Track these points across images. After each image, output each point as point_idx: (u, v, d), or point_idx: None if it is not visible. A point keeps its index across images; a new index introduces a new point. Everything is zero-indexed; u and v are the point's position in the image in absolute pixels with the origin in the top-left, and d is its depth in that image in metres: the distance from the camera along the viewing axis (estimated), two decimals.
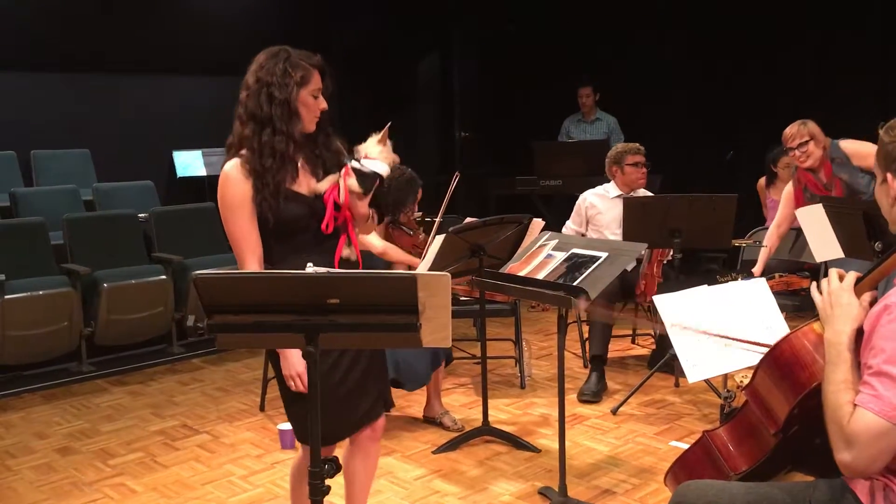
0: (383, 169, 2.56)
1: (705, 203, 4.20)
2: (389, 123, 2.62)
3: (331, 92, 2.53)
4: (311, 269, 1.86)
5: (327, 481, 2.04)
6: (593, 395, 4.47)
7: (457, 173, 4.10)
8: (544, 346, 5.60)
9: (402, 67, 8.56)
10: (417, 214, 4.81)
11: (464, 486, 3.48)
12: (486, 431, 3.94)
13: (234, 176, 2.40)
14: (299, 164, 2.49)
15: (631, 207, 4.25)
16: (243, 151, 2.43)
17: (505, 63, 8.34)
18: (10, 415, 4.52)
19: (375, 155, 2.57)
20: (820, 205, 3.78)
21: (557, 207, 6.82)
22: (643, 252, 4.22)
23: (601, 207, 4.84)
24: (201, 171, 7.26)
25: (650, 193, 5.01)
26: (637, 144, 4.77)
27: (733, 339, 2.49)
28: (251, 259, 2.42)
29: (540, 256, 3.14)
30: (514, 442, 3.87)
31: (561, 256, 3.11)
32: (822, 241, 3.80)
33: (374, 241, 4.03)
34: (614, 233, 4.68)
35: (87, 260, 5.38)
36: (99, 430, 4.25)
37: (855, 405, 1.71)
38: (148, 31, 7.18)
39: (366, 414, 2.61)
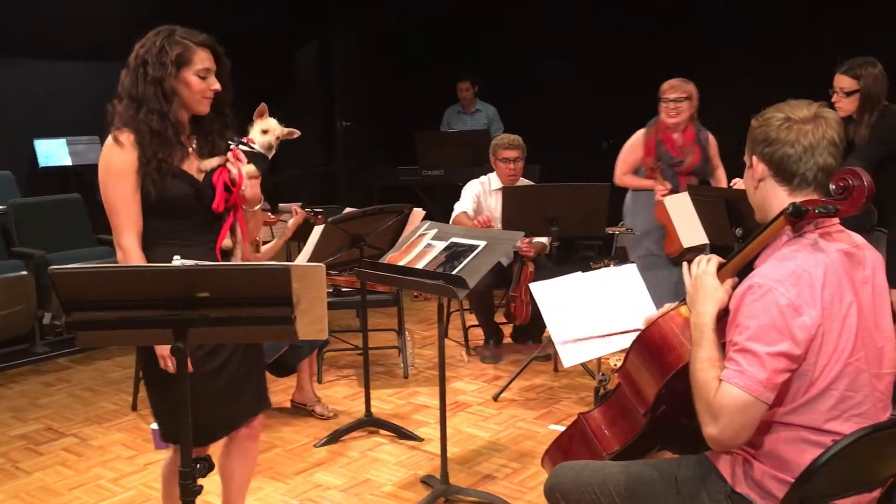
0: (270, 154, 2.52)
1: (580, 192, 4.30)
2: (263, 104, 2.55)
3: (228, 73, 2.43)
4: (177, 261, 1.78)
5: (200, 481, 1.98)
6: (493, 357, 4.88)
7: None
8: (427, 335, 5.62)
9: (280, 59, 8.38)
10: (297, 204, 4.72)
11: (346, 479, 3.45)
12: (369, 423, 3.92)
13: (119, 146, 2.29)
14: (190, 147, 2.39)
15: (509, 196, 4.31)
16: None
17: (387, 54, 8.30)
18: None
19: (261, 140, 2.53)
20: (686, 193, 3.94)
21: (440, 197, 6.85)
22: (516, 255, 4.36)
23: (484, 198, 4.89)
24: (66, 161, 6.85)
25: (532, 183, 5.09)
26: (512, 138, 4.79)
27: (612, 334, 2.56)
28: (129, 233, 2.31)
29: (420, 246, 3.13)
30: (397, 432, 3.87)
31: (440, 245, 3.12)
32: (689, 227, 3.97)
33: None
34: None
35: None
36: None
37: (721, 380, 1.78)
38: (9, 11, 6.73)
39: (243, 412, 2.54)
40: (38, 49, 6.84)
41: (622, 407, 2.20)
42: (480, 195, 4.88)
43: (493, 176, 4.90)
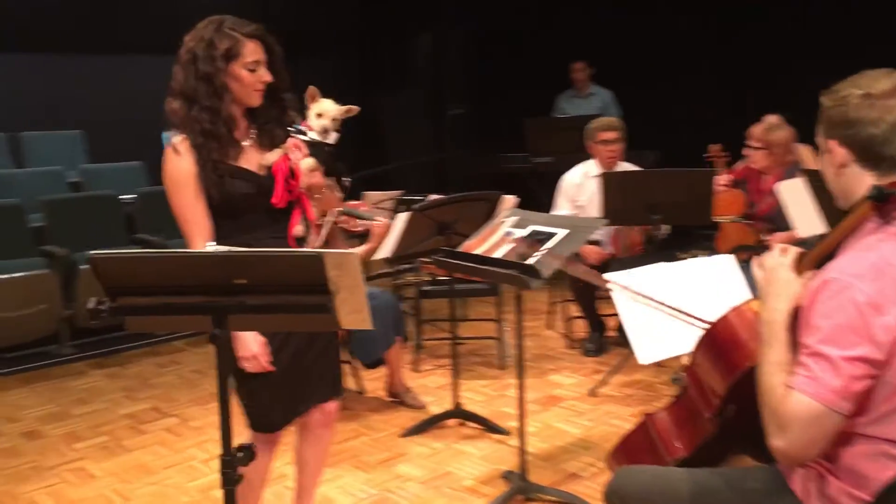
0: (332, 137, 2.46)
1: (683, 177, 4.06)
2: (312, 87, 2.48)
3: (281, 61, 2.38)
4: (211, 247, 1.76)
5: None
6: (595, 350, 4.75)
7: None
8: (532, 325, 5.50)
9: (390, 46, 8.43)
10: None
11: (427, 470, 3.40)
12: (457, 414, 3.85)
13: (179, 152, 2.28)
14: (248, 142, 2.38)
15: (608, 183, 4.11)
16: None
17: (498, 39, 8.17)
18: None
19: (316, 125, 2.47)
20: (800, 179, 3.64)
21: (550, 185, 6.67)
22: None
23: (583, 187, 4.70)
24: None
25: (638, 168, 4.86)
26: (611, 120, 4.62)
27: (673, 308, 2.37)
28: (199, 239, 2.30)
29: (498, 233, 3.02)
30: (485, 425, 3.78)
31: (521, 234, 3.00)
32: (805, 215, 3.66)
33: None
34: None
35: (67, 242, 5.33)
36: (70, 414, 4.21)
37: (789, 387, 1.59)
38: (148, 11, 7.10)
39: (307, 400, 2.52)
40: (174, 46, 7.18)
41: (689, 410, 2.03)
42: (576, 193, 4.67)
43: (591, 163, 4.71)
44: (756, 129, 4.36)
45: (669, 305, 2.38)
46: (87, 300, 1.82)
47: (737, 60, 6.64)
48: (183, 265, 1.79)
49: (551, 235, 2.89)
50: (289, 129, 2.43)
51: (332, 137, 2.41)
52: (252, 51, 2.29)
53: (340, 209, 3.85)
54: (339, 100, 2.49)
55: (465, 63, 8.46)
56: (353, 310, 1.90)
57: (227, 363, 1.93)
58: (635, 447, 2.15)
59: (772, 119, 4.33)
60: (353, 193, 4.28)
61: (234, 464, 1.95)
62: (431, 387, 4.41)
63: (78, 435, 3.91)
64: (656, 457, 2.06)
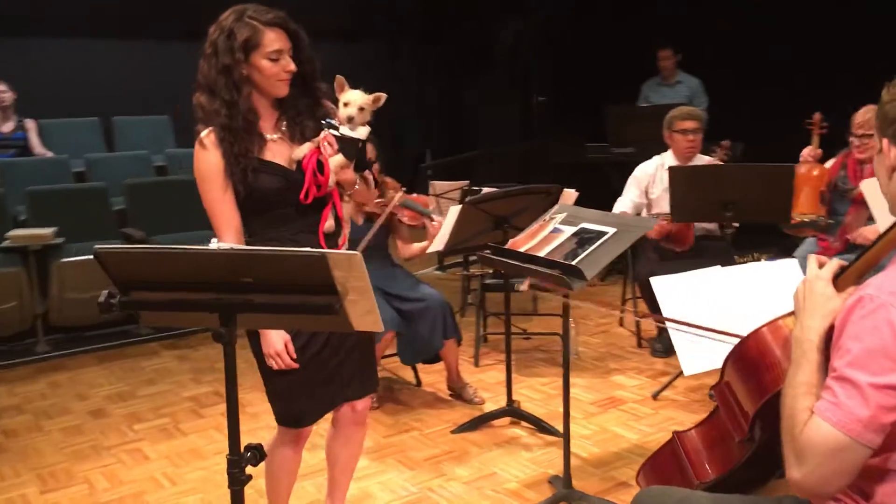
0: (363, 132, 2.38)
1: (760, 173, 3.81)
2: (339, 76, 2.39)
3: (307, 48, 2.32)
4: (214, 244, 1.73)
5: (249, 469, 1.94)
6: (664, 351, 4.53)
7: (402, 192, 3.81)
8: (603, 321, 5.34)
9: (479, 32, 8.32)
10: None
11: (472, 470, 3.32)
12: (509, 413, 3.75)
13: (204, 147, 2.26)
14: (276, 135, 2.34)
15: (677, 177, 3.91)
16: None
17: (585, 25, 7.95)
18: (60, 375, 4.67)
19: (342, 114, 2.40)
20: None
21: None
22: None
23: (657, 178, 4.49)
24: None
25: (718, 162, 4.61)
26: (689, 108, 4.38)
27: (705, 329, 2.21)
28: (227, 233, 2.28)
29: (546, 230, 2.90)
30: (537, 425, 3.67)
31: (569, 231, 2.87)
32: (886, 213, 3.38)
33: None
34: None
35: (147, 225, 5.48)
36: (135, 394, 4.32)
37: (812, 412, 1.44)
38: None
39: (344, 395, 2.48)
40: None
41: (721, 430, 1.89)
42: (650, 184, 4.46)
43: (667, 155, 4.49)
44: (863, 116, 3.98)
45: (699, 326, 2.22)
46: (100, 293, 1.83)
47: (836, 45, 6.23)
48: (188, 262, 1.77)
49: (600, 234, 2.76)
50: (322, 122, 2.37)
51: (362, 132, 2.33)
52: (273, 40, 2.22)
53: (400, 200, 3.81)
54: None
55: (551, 49, 8.28)
56: (364, 312, 1.84)
57: (234, 362, 1.89)
58: (663, 466, 2.01)
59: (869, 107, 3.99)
60: (425, 181, 4.24)
61: (241, 464, 1.92)
62: (490, 382, 4.32)
63: (140, 416, 4.01)
64: (685, 478, 1.93)
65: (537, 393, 4.15)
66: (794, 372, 1.53)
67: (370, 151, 3.73)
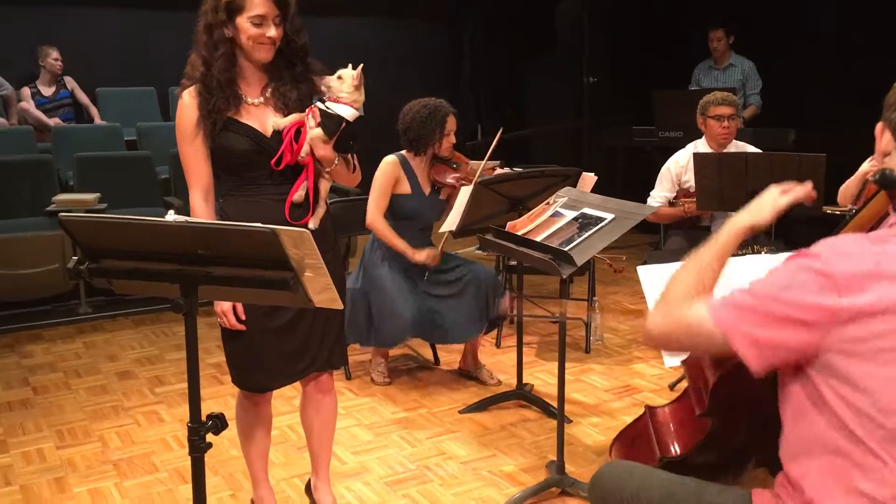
0: (348, 113, 2.39)
1: (788, 162, 3.67)
2: (362, 66, 2.43)
3: (294, 17, 2.35)
4: (171, 216, 1.76)
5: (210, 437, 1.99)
6: None
7: (501, 129, 3.82)
8: (634, 307, 5.26)
9: (532, 12, 8.23)
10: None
11: (472, 450, 3.32)
12: (518, 395, 3.74)
13: (183, 102, 2.36)
14: (259, 100, 2.39)
15: (701, 163, 3.80)
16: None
17: (638, 5, 7.76)
18: (96, 336, 4.84)
19: (346, 98, 2.41)
20: None
21: None
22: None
23: (690, 167, 4.35)
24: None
25: (756, 150, 4.46)
26: (724, 94, 4.23)
27: None
28: (195, 190, 2.39)
29: (546, 214, 2.86)
30: (545, 409, 3.65)
31: (570, 215, 2.83)
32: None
33: (370, 209, 3.84)
34: None
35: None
36: (163, 358, 4.45)
37: (702, 298, 1.51)
38: None
39: (302, 371, 2.53)
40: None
41: (689, 408, 1.87)
42: (682, 173, 4.33)
43: (700, 142, 4.36)
44: None
45: None
46: (69, 259, 1.89)
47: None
48: (146, 232, 1.80)
49: (599, 220, 2.71)
50: (316, 96, 2.40)
51: (347, 111, 2.34)
52: (257, 4, 2.27)
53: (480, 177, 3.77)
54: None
55: (605, 30, 8.11)
56: (322, 289, 1.86)
57: (195, 332, 1.93)
58: (632, 440, 2.02)
59: None
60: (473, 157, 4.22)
61: (200, 431, 1.97)
62: (509, 364, 4.29)
63: (163, 380, 4.14)
64: (648, 451, 1.92)
65: (553, 377, 4.11)
66: (703, 249, 1.61)
67: (451, 123, 3.77)
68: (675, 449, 1.89)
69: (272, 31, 2.29)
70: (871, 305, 1.32)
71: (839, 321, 1.34)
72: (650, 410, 1.99)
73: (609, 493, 1.80)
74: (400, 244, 3.79)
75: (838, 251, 1.38)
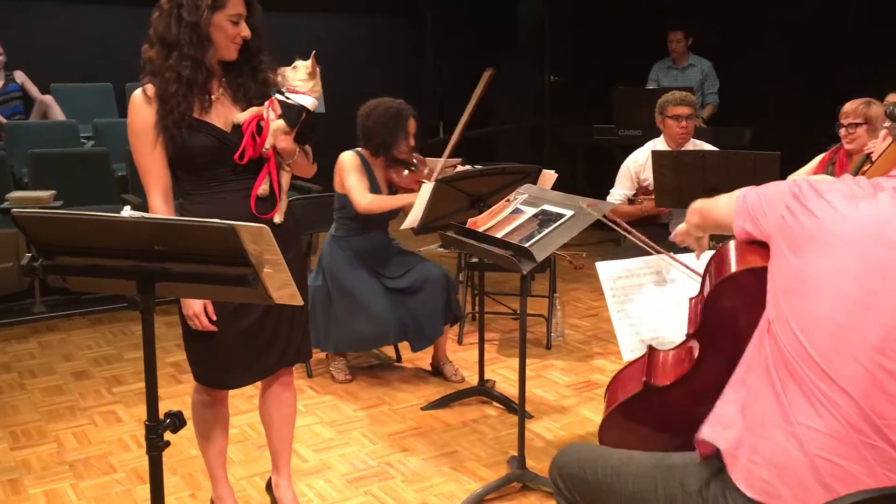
0: (309, 102, 2.40)
1: (744, 160, 3.74)
2: (315, 52, 2.42)
3: (259, 19, 2.36)
4: (126, 212, 1.74)
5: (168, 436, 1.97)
6: None
7: (490, 71, 3.81)
8: (596, 305, 5.30)
9: (501, 10, 8.27)
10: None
11: (434, 447, 3.33)
12: (479, 392, 3.76)
13: (138, 102, 2.31)
14: (217, 95, 2.37)
15: (660, 161, 3.85)
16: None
17: (601, 5, 7.83)
18: (52, 335, 4.75)
19: (302, 87, 2.40)
20: None
21: None
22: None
23: (647, 166, 4.40)
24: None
25: (713, 148, 4.53)
26: (683, 93, 4.29)
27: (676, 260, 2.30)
28: (154, 192, 2.34)
29: (507, 210, 2.88)
30: (506, 405, 3.67)
31: (530, 212, 2.85)
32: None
33: (357, 197, 3.76)
34: None
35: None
36: (121, 358, 4.39)
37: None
38: None
39: (271, 367, 2.52)
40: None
41: (687, 349, 1.94)
42: (640, 171, 4.38)
43: (658, 141, 4.42)
44: (851, 105, 3.82)
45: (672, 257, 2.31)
46: (23, 256, 1.85)
47: (863, 29, 6.07)
48: (102, 228, 1.78)
49: (559, 217, 2.74)
50: (274, 88, 2.40)
51: (307, 101, 2.34)
52: (235, 4, 2.28)
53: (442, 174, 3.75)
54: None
55: (566, 29, 8.17)
56: (281, 285, 1.85)
57: (152, 330, 1.91)
58: (628, 375, 2.06)
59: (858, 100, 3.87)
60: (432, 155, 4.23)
61: (158, 430, 1.95)
62: (472, 361, 4.31)
63: (120, 379, 4.08)
64: (635, 382, 1.99)
65: (514, 373, 4.14)
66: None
67: (412, 126, 3.73)
68: (662, 379, 1.94)
69: (246, 32, 2.30)
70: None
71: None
72: (651, 350, 2.05)
73: (567, 467, 1.88)
74: (402, 198, 3.76)
75: (826, 182, 1.59)
